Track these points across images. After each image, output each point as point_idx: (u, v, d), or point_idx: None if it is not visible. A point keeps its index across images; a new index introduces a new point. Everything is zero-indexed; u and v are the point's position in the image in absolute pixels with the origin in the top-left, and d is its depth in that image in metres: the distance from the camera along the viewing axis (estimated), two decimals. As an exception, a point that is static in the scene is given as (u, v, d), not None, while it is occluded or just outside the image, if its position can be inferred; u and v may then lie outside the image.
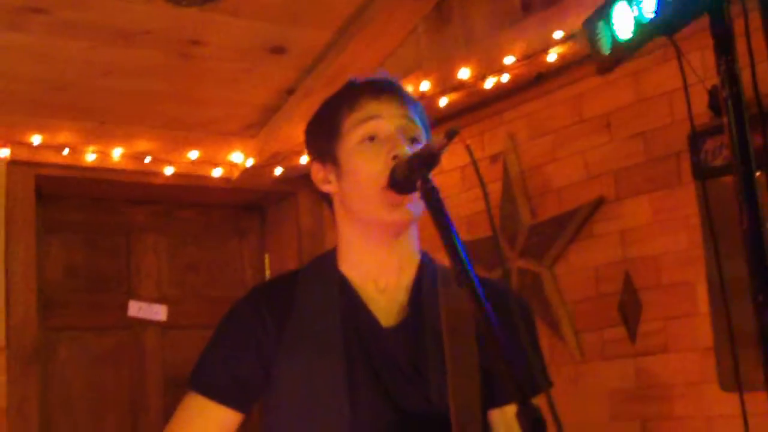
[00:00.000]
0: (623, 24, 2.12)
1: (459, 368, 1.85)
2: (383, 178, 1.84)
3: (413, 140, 1.91)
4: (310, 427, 1.87)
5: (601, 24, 2.14)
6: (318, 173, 2.03)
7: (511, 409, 1.75)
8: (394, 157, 1.84)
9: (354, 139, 1.93)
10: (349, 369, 1.86)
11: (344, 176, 1.95)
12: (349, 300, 1.95)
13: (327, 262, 2.02)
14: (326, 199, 2.05)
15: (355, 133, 1.93)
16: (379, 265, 1.97)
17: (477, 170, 1.65)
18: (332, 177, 1.99)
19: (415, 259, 2.00)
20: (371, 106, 1.93)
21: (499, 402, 1.87)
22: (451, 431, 1.80)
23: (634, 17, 2.05)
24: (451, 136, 1.64)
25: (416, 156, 1.74)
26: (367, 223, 1.94)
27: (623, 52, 2.15)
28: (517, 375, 1.48)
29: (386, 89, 1.97)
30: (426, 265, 2.00)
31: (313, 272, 2.03)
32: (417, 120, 1.96)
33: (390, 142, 1.88)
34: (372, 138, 1.91)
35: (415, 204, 1.85)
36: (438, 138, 1.68)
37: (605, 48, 2.16)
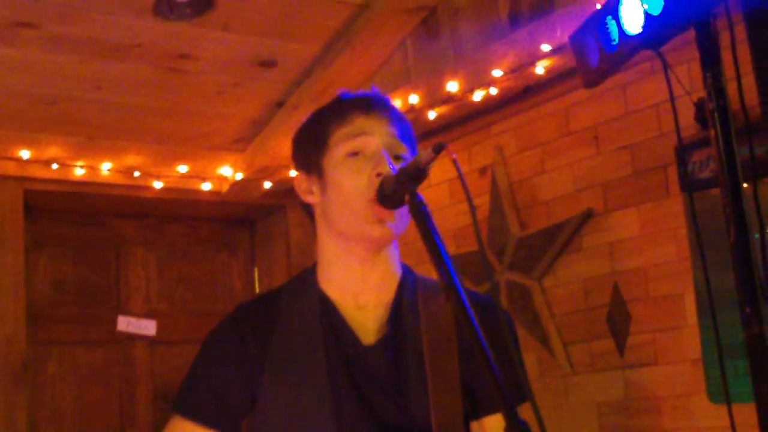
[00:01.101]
0: (612, 33, 2.14)
1: (440, 383, 1.85)
2: (367, 193, 1.84)
3: (398, 158, 1.91)
4: None
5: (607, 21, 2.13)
6: (302, 183, 2.04)
7: (491, 420, 1.76)
8: (378, 175, 1.84)
9: (340, 153, 1.93)
10: (333, 388, 1.86)
11: (328, 188, 1.95)
12: (330, 318, 1.94)
13: (307, 280, 2.02)
14: (308, 210, 2.05)
15: (342, 147, 1.93)
16: (359, 282, 1.96)
17: (464, 185, 1.66)
18: (315, 188, 2.00)
19: (396, 276, 2.00)
20: (360, 122, 1.94)
21: (480, 414, 1.88)
22: None
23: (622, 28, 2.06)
24: (438, 150, 1.65)
25: (404, 170, 1.74)
26: (348, 237, 1.94)
27: (610, 64, 2.16)
28: (503, 385, 1.49)
29: (376, 106, 1.98)
30: (407, 281, 2.00)
31: (293, 291, 2.03)
32: (404, 138, 1.97)
33: (375, 159, 1.88)
34: (357, 153, 1.92)
35: (398, 220, 1.86)
36: (425, 152, 1.69)
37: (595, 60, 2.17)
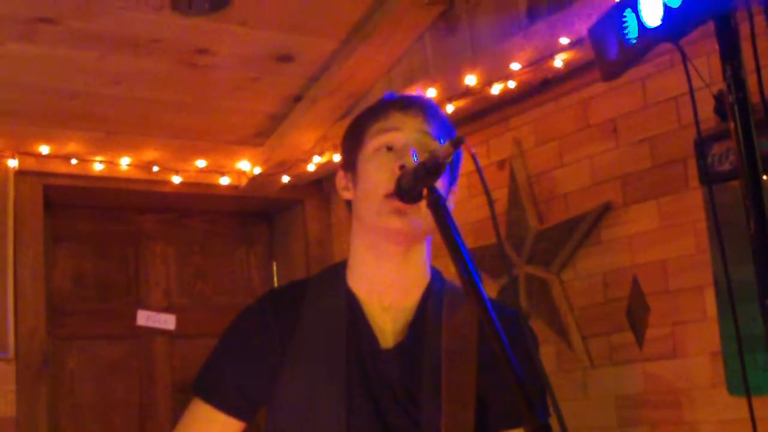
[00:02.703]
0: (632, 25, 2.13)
1: (454, 395, 1.84)
2: (387, 186, 1.85)
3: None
4: None
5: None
6: (340, 180, 2.06)
7: None
8: (401, 167, 1.84)
9: (372, 148, 1.96)
10: (348, 387, 1.88)
11: (357, 182, 1.98)
12: (354, 316, 1.95)
13: (336, 275, 2.03)
14: (348, 206, 2.06)
15: (374, 142, 1.96)
16: (386, 281, 1.97)
17: (482, 179, 1.65)
18: (350, 184, 2.02)
19: (424, 280, 2.01)
20: (395, 118, 1.96)
21: (500, 427, 1.87)
22: None
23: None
24: (456, 144, 1.65)
25: (422, 165, 1.73)
26: (373, 231, 1.94)
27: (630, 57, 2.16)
28: (527, 394, 1.47)
29: (413, 103, 1.99)
30: (434, 286, 2.01)
31: (321, 284, 2.04)
32: (439, 137, 1.96)
33: (401, 153, 1.89)
34: (390, 148, 1.93)
35: (420, 215, 1.85)
36: (443, 147, 1.69)
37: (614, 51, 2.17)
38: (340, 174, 2.06)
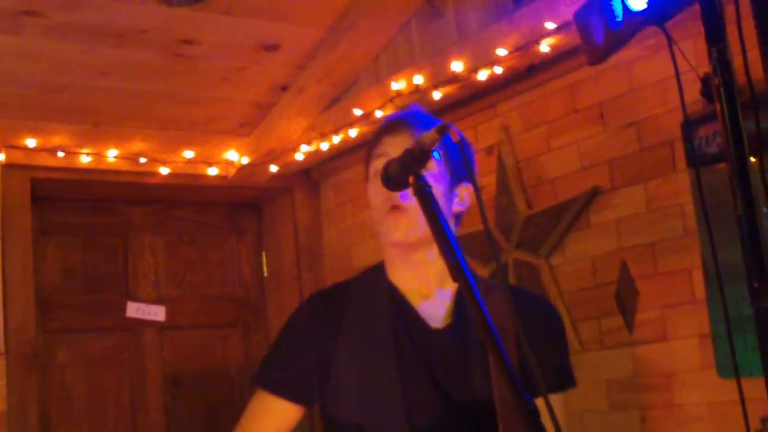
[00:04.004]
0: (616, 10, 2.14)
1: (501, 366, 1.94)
2: (385, 207, 2.08)
3: None
4: (368, 417, 2.06)
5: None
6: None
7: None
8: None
9: (371, 174, 2.17)
10: (401, 366, 2.05)
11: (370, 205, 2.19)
12: (398, 305, 2.15)
13: (377, 273, 2.23)
14: None
15: (371, 169, 2.17)
16: (418, 277, 2.17)
17: (469, 166, 1.68)
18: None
19: None
20: (385, 143, 2.15)
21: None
22: (495, 419, 1.96)
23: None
24: (442, 131, 1.66)
25: (408, 152, 1.74)
26: (385, 244, 2.17)
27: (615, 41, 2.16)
28: (516, 379, 1.54)
29: (398, 124, 2.16)
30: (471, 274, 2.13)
31: (365, 281, 2.25)
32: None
33: None
34: (377, 173, 2.04)
35: (412, 222, 2.06)
36: (429, 134, 1.70)
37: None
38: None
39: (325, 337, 2.13)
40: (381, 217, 2.11)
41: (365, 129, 4.35)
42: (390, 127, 2.17)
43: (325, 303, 2.21)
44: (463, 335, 2.10)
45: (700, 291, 3.40)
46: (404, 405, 2.02)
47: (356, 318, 2.15)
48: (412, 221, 2.04)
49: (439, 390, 2.05)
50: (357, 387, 2.08)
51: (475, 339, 2.06)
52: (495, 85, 4.04)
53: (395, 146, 2.05)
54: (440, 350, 2.09)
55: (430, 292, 2.16)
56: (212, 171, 5.07)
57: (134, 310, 5.21)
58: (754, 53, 1.80)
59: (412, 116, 2.20)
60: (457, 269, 1.60)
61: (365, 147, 2.26)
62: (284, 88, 4.66)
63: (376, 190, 2.11)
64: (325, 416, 2.17)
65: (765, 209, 1.66)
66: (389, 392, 2.03)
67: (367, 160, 2.20)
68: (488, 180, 4.16)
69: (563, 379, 2.19)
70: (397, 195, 2.02)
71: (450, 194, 2.14)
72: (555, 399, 1.62)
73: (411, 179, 1.73)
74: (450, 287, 2.16)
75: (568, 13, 3.37)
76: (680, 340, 3.48)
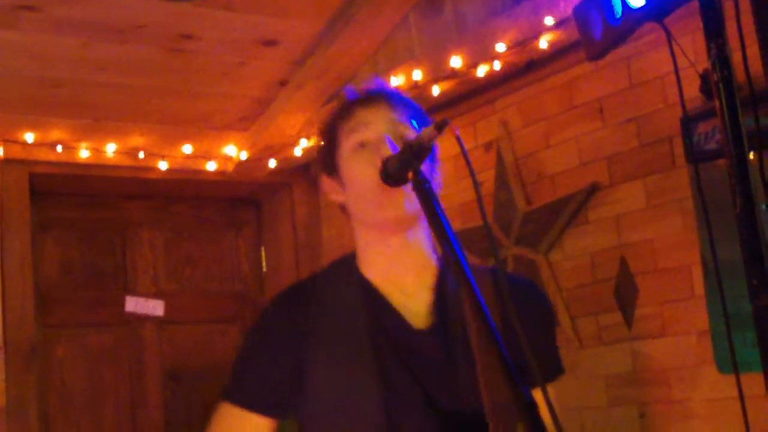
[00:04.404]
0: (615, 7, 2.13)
1: (488, 364, 1.86)
2: (375, 180, 1.86)
3: (403, 141, 1.93)
4: (347, 426, 1.91)
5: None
6: (328, 186, 2.09)
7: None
8: (383, 161, 1.86)
9: (347, 148, 1.99)
10: (382, 370, 1.90)
11: (345, 184, 2.01)
12: (372, 300, 1.98)
13: (346, 265, 2.06)
14: (343, 210, 2.09)
15: (348, 142, 1.99)
16: (396, 267, 2.00)
17: (468, 162, 1.66)
18: (338, 187, 2.04)
19: (432, 260, 2.03)
20: (361, 115, 1.99)
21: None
22: (483, 425, 1.83)
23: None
24: (441, 127, 1.66)
25: (407, 148, 1.74)
26: (370, 225, 1.99)
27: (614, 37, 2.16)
28: (517, 362, 1.50)
29: (375, 95, 2.02)
30: (444, 266, 2.03)
31: (333, 275, 2.08)
32: (408, 121, 1.99)
33: (378, 147, 1.91)
34: (363, 145, 1.96)
35: (408, 199, 1.87)
36: (428, 129, 1.69)
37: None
38: (326, 180, 2.08)
39: (295, 342, 1.96)
40: (372, 193, 1.90)
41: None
42: (364, 99, 2.01)
43: (292, 304, 2.03)
44: (447, 335, 1.94)
45: (699, 287, 3.40)
46: (386, 412, 1.86)
47: (327, 318, 1.97)
48: (409, 196, 1.84)
49: (424, 395, 1.89)
50: (333, 394, 1.92)
51: (459, 339, 1.92)
52: (494, 81, 4.04)
53: (377, 116, 1.97)
54: (424, 352, 1.93)
55: (406, 285, 1.99)
56: (211, 166, 5.06)
57: (133, 304, 5.21)
58: (753, 49, 1.79)
59: (384, 88, 2.06)
60: (456, 265, 1.59)
61: (325, 126, 2.08)
62: (283, 83, 4.65)
63: (360, 164, 1.94)
64: (299, 427, 2.00)
65: (764, 206, 1.65)
66: (369, 399, 1.87)
67: (334, 134, 2.02)
68: (487, 176, 4.15)
69: (556, 368, 2.04)
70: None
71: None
72: (549, 390, 1.55)
73: (410, 175, 1.72)
74: (427, 281, 2.00)
75: (567, 8, 3.37)
76: (679, 337, 3.48)
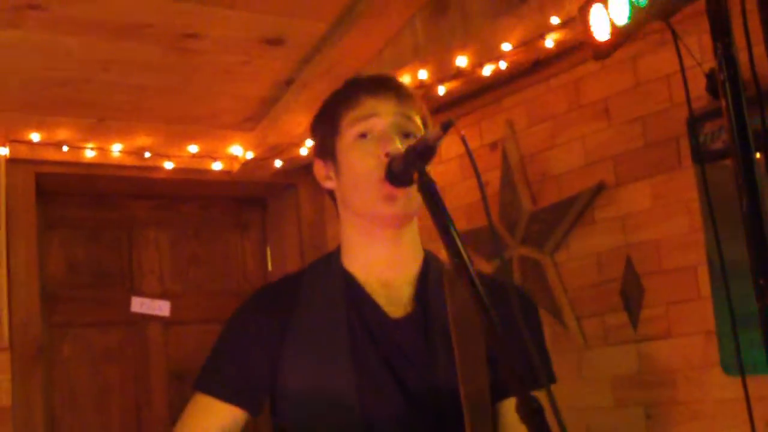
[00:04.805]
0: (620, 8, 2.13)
1: (467, 356, 1.86)
2: (377, 173, 1.85)
3: (408, 136, 1.92)
4: (321, 418, 1.89)
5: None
6: (320, 170, 2.06)
7: (506, 404, 1.77)
8: (387, 154, 1.85)
9: (350, 136, 1.96)
10: (357, 359, 1.89)
11: (342, 172, 1.98)
12: (354, 294, 1.97)
13: (330, 260, 2.05)
14: (330, 195, 2.07)
15: (351, 130, 1.96)
16: (382, 260, 1.99)
17: (473, 162, 1.65)
18: (332, 173, 2.02)
19: (419, 255, 2.03)
20: (368, 104, 1.96)
21: (507, 393, 1.87)
22: (460, 418, 1.82)
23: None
24: (446, 127, 1.65)
25: (412, 148, 1.74)
26: (364, 218, 1.96)
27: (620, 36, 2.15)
28: (516, 368, 1.48)
29: (383, 87, 1.99)
30: (431, 261, 2.03)
31: (317, 270, 2.06)
32: (414, 116, 1.97)
33: (383, 139, 1.89)
34: (365, 135, 1.94)
35: (410, 197, 1.86)
36: (434, 130, 1.69)
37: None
38: (319, 163, 2.06)
39: (272, 335, 1.94)
40: (374, 189, 1.88)
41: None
42: (372, 88, 1.98)
43: (272, 297, 2.02)
44: (426, 324, 1.93)
45: (705, 288, 3.39)
46: (360, 403, 1.85)
47: (306, 312, 1.96)
48: (410, 195, 1.84)
49: (399, 383, 1.88)
50: (308, 387, 1.90)
51: (438, 328, 1.91)
52: (500, 81, 4.03)
53: (385, 107, 1.94)
54: (400, 340, 1.91)
55: (389, 278, 1.98)
56: (217, 166, 5.06)
57: (139, 305, 5.21)
58: (759, 48, 1.78)
59: (392, 80, 2.04)
60: (461, 266, 1.58)
61: (325, 110, 2.05)
62: (288, 83, 4.65)
63: (363, 155, 1.91)
64: (273, 421, 1.98)
65: (770, 206, 1.64)
66: (343, 390, 1.87)
67: (337, 119, 1.98)
68: (492, 175, 4.15)
69: (547, 376, 1.95)
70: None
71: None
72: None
73: (415, 175, 1.72)
74: (411, 273, 1.99)
75: (573, 8, 3.36)
76: (685, 337, 3.48)
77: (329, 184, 2.04)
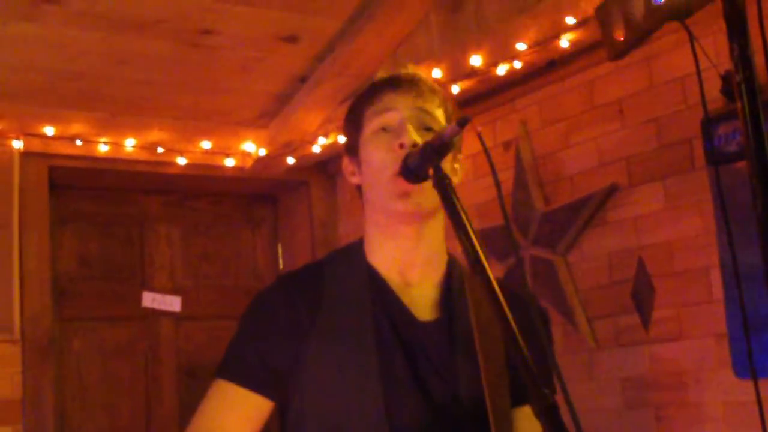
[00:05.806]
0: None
1: (491, 365, 1.86)
2: (392, 167, 1.85)
3: (428, 130, 1.91)
4: (345, 416, 1.85)
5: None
6: (347, 167, 2.06)
7: (522, 410, 1.75)
8: (401, 146, 1.85)
9: (369, 130, 1.96)
10: (384, 359, 1.87)
11: (362, 166, 1.98)
12: (379, 290, 1.95)
13: (354, 252, 2.03)
14: (358, 191, 2.06)
15: (371, 124, 1.96)
16: (404, 258, 1.97)
17: (489, 158, 1.65)
18: (356, 169, 2.02)
19: (443, 256, 2.01)
20: (388, 99, 1.96)
21: (522, 401, 1.86)
22: (480, 428, 1.81)
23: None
24: (462, 124, 1.64)
25: (428, 144, 1.73)
26: (381, 212, 1.96)
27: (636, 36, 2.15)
28: (532, 369, 1.47)
29: (405, 82, 1.99)
30: (455, 264, 2.02)
31: (339, 262, 2.03)
32: (434, 110, 1.96)
33: (398, 133, 1.89)
34: (384, 129, 1.93)
35: (425, 194, 1.83)
36: (450, 126, 1.68)
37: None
38: (346, 160, 2.06)
39: (298, 323, 1.90)
40: (390, 183, 1.87)
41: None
42: (393, 83, 1.98)
43: (299, 287, 1.97)
44: (452, 331, 1.92)
45: (718, 290, 3.38)
46: (385, 404, 1.82)
47: (332, 308, 1.92)
48: (425, 191, 1.80)
49: (423, 390, 1.86)
50: (332, 380, 1.86)
51: (463, 336, 1.90)
52: (514, 80, 4.03)
53: (403, 102, 1.94)
54: (427, 346, 1.89)
55: (413, 277, 1.96)
56: (229, 162, 5.07)
57: (150, 300, 5.22)
58: (776, 51, 1.78)
59: (414, 76, 2.03)
60: (477, 263, 1.57)
61: (352, 107, 2.05)
62: (302, 80, 4.65)
63: (377, 148, 1.92)
64: (294, 415, 1.92)
65: (785, 209, 1.64)
66: (369, 390, 1.83)
67: (360, 115, 1.99)
68: (506, 175, 4.14)
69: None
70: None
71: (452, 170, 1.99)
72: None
73: (431, 171, 1.72)
74: (435, 274, 1.98)
75: (588, 8, 3.36)
76: (696, 339, 3.47)
77: (355, 180, 2.04)
